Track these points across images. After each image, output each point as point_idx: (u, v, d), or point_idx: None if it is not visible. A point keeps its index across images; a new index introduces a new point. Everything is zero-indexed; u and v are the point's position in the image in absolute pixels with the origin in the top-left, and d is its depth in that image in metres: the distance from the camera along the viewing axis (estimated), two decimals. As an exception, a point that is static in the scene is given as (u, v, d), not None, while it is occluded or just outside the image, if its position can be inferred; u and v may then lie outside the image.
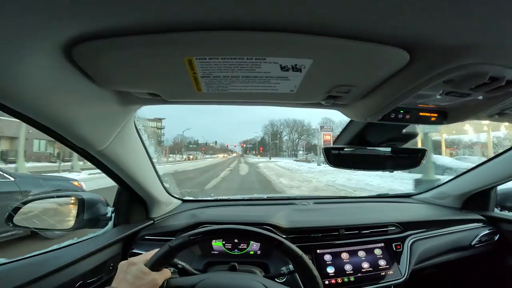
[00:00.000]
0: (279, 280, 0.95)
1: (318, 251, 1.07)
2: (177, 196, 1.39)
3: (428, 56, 0.46)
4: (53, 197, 1.05)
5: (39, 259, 0.79)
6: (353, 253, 1.08)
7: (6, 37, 0.36)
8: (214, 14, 0.36)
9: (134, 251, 1.04)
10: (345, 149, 0.91)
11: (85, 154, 0.78)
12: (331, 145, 0.92)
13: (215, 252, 1.08)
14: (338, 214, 1.29)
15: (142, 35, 0.40)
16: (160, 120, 65.84)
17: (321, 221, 1.17)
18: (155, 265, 0.68)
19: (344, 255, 1.07)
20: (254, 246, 1.09)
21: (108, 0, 0.32)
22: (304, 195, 1.67)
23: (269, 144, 79.14)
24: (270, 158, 49.38)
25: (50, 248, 0.86)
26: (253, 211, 1.34)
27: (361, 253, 1.08)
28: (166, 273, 0.71)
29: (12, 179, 3.20)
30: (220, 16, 0.36)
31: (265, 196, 1.59)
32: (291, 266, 0.84)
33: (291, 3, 0.33)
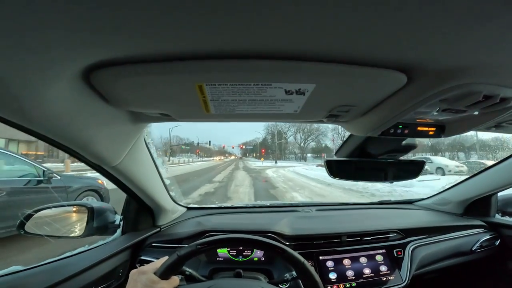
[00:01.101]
0: (283, 286, 0.98)
1: (320, 257, 1.10)
2: (182, 204, 1.42)
3: (424, 77, 0.49)
4: (64, 205, 1.08)
5: (53, 266, 0.83)
6: (354, 259, 1.10)
7: (32, 67, 0.39)
8: (223, 44, 0.39)
9: (142, 258, 1.07)
10: (347, 161, 0.94)
11: (100, 169, 0.81)
12: (333, 158, 0.94)
13: (220, 259, 1.11)
14: (340, 221, 1.31)
15: (156, 63, 0.43)
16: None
17: (323, 228, 1.19)
18: (164, 274, 0.71)
19: (346, 261, 1.09)
20: (258, 253, 1.11)
21: (126, 31, 0.34)
22: (306, 202, 1.68)
23: (274, 145, 69.78)
24: (276, 162, 42.87)
25: (63, 256, 0.89)
26: (256, 218, 1.36)
27: (363, 259, 1.10)
28: (175, 281, 0.73)
29: (59, 177, 4.14)
30: (229, 46, 0.39)
31: (268, 203, 1.61)
32: (294, 273, 0.86)
33: (294, 34, 0.36)
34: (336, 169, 0.94)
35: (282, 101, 0.55)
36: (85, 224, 1.04)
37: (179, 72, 0.44)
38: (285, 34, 0.36)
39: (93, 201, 1.08)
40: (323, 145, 64.12)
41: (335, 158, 0.95)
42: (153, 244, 1.11)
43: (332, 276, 1.05)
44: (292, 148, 71.88)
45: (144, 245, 1.10)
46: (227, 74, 0.45)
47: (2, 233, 3.16)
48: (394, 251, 1.15)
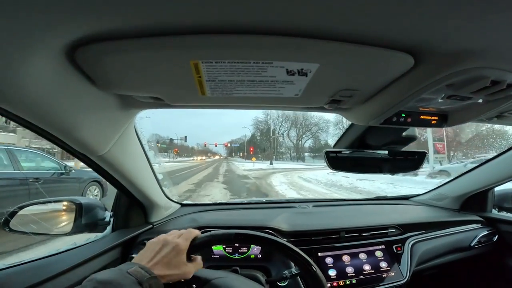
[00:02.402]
0: (281, 283, 0.95)
1: (319, 254, 1.07)
2: (176, 200, 1.38)
3: (432, 60, 0.47)
4: (50, 201, 1.03)
5: (38, 264, 0.78)
6: (354, 256, 1.08)
7: (6, 39, 0.35)
8: (222, 17, 0.36)
9: (133, 255, 1.02)
10: (346, 152, 0.92)
11: (85, 160, 0.76)
12: (332, 149, 0.92)
13: (216, 256, 1.07)
14: (338, 217, 1.29)
15: (148, 38, 0.40)
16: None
17: (321, 224, 1.16)
18: (190, 251, 0.65)
19: (345, 258, 1.07)
20: (255, 250, 1.08)
21: (113, 1, 0.31)
22: (303, 198, 1.67)
23: (264, 142, 56.94)
24: (271, 163, 32.85)
25: (49, 253, 0.84)
26: (253, 214, 1.33)
27: (362, 256, 1.08)
28: (200, 263, 0.67)
29: (74, 171, 5.39)
30: (228, 19, 0.36)
31: (264, 200, 1.59)
32: (293, 270, 0.84)
33: (299, 8, 0.34)
34: (336, 161, 0.92)
35: (283, 82, 0.52)
36: (73, 221, 1.00)
37: (172, 48, 0.41)
38: (289, 8, 0.34)
39: (81, 197, 1.03)
40: (323, 143, 51.84)
41: (334, 149, 0.92)
42: (145, 242, 1.07)
43: (332, 273, 1.03)
44: (286, 147, 58.14)
45: (135, 242, 1.06)
46: (225, 50, 0.42)
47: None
48: (394, 246, 1.14)
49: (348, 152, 0.92)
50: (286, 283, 0.95)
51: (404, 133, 0.87)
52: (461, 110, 0.70)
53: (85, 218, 1.01)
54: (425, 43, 0.43)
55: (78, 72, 0.48)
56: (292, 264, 1.00)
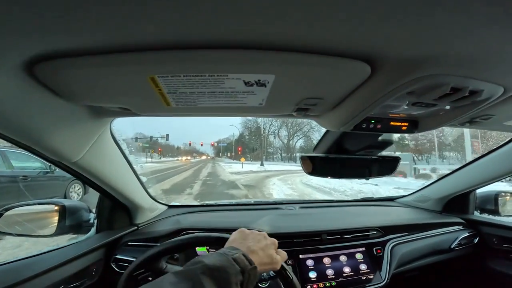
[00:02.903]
0: (262, 285, 0.96)
1: (300, 256, 1.08)
2: (163, 202, 1.39)
3: (388, 68, 0.47)
4: (34, 204, 1.04)
5: (18, 265, 0.79)
6: (334, 258, 1.10)
7: None
8: (172, 34, 0.37)
9: (117, 256, 1.04)
10: (323, 158, 0.93)
11: (60, 165, 0.77)
12: (308, 154, 0.94)
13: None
14: (322, 218, 1.30)
15: (103, 55, 0.41)
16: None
17: (304, 226, 1.18)
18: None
19: (326, 260, 1.08)
20: None
21: (68, 21, 0.32)
22: (291, 200, 1.68)
23: (253, 142, 51.54)
24: (262, 164, 29.91)
25: (29, 254, 0.85)
26: (237, 216, 1.34)
27: (343, 258, 1.10)
28: (285, 255, 0.68)
29: (58, 169, 5.00)
30: (179, 35, 0.37)
31: (252, 201, 1.59)
32: (271, 272, 0.85)
33: (249, 21, 0.34)
34: (312, 165, 0.93)
35: (244, 93, 0.53)
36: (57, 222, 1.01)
37: (128, 64, 0.42)
38: (237, 22, 0.34)
39: (65, 200, 1.05)
40: (314, 142, 51.65)
41: (311, 154, 0.94)
42: (129, 243, 1.08)
43: (312, 275, 1.04)
44: (276, 147, 53.68)
45: (119, 243, 1.07)
46: (178, 65, 0.43)
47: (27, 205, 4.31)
48: (374, 249, 1.15)
49: (325, 157, 0.93)
50: (267, 284, 0.97)
51: (380, 138, 0.89)
52: (430, 116, 0.71)
53: (69, 219, 1.02)
54: (379, 51, 0.43)
55: (41, 86, 0.48)
56: None
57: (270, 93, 0.53)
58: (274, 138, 50.43)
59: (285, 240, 1.12)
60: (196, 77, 0.46)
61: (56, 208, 1.04)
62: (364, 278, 1.06)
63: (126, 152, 0.99)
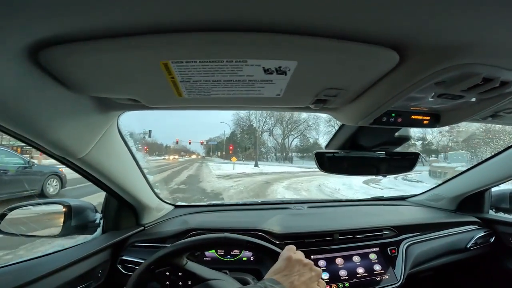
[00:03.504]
0: None
1: (312, 256, 1.06)
2: (169, 202, 1.37)
3: (418, 56, 0.45)
4: (40, 204, 1.02)
5: (22, 266, 0.77)
6: (347, 258, 1.07)
7: None
8: (189, 14, 0.34)
9: (123, 257, 1.02)
10: (337, 154, 0.90)
11: (65, 162, 0.75)
12: (323, 150, 0.91)
13: (208, 259, 1.06)
14: (333, 218, 1.28)
15: (113, 38, 0.38)
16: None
17: (315, 226, 1.15)
18: None
19: (339, 260, 1.06)
20: (247, 253, 1.07)
21: (75, 1, 0.30)
22: (299, 199, 1.65)
23: (245, 141, 46.44)
24: (256, 165, 25.32)
25: (35, 255, 0.83)
26: (246, 216, 1.32)
27: (356, 258, 1.07)
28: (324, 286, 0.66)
29: (36, 165, 6.66)
30: (195, 16, 0.34)
31: (259, 201, 1.57)
32: None
33: (269, 2, 0.32)
34: (327, 162, 0.90)
35: (262, 82, 0.50)
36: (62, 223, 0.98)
37: (140, 48, 0.39)
38: (260, 2, 0.31)
39: (71, 199, 1.02)
40: (311, 141, 44.01)
41: (325, 150, 0.91)
42: (135, 244, 1.06)
43: (325, 276, 1.01)
44: (270, 146, 47.93)
45: (125, 244, 1.05)
46: (194, 49, 0.40)
47: (6, 197, 5.31)
48: (388, 249, 1.12)
49: (339, 153, 0.90)
50: None
51: (397, 134, 0.86)
52: (454, 109, 0.68)
53: (75, 220, 1.00)
54: (410, 38, 0.40)
55: (45, 74, 0.46)
56: None
57: (290, 82, 0.50)
58: (269, 135, 46.07)
59: (296, 240, 1.10)
60: (213, 63, 0.43)
61: (62, 208, 1.02)
62: (378, 278, 1.03)
63: (133, 149, 0.96)
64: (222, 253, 1.07)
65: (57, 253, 0.88)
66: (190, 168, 20.59)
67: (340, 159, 0.91)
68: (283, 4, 0.32)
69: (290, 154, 43.89)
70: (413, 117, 0.69)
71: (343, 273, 1.03)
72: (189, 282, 0.73)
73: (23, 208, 0.96)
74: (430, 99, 0.60)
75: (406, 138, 0.88)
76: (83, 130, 0.68)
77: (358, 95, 0.60)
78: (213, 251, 1.07)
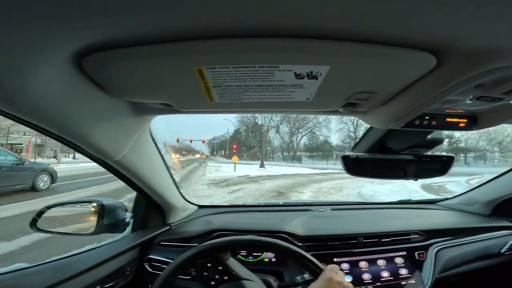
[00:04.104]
0: None
1: (335, 259, 1.05)
2: (193, 202, 1.40)
3: (457, 59, 0.43)
4: (75, 202, 1.08)
5: (59, 264, 0.81)
6: (372, 262, 1.04)
7: (14, 47, 0.35)
8: (222, 22, 0.34)
9: (150, 256, 1.05)
10: (365, 157, 0.88)
11: (103, 164, 0.78)
12: (350, 153, 0.89)
13: None
14: (357, 221, 1.25)
15: (150, 45, 0.39)
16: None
17: (338, 229, 1.13)
18: None
19: (363, 264, 1.04)
20: (269, 254, 1.07)
21: (117, 10, 0.31)
22: (321, 201, 1.62)
23: (250, 139, 43.16)
24: (262, 166, 22.30)
25: (70, 253, 0.87)
26: (268, 218, 1.32)
27: (381, 262, 1.04)
28: None
29: (28, 162, 7.77)
30: (229, 23, 0.35)
31: (281, 202, 1.57)
32: (306, 276, 0.82)
33: (303, 7, 0.31)
34: (354, 165, 0.88)
35: (292, 86, 0.50)
36: (96, 221, 1.03)
37: (176, 54, 0.41)
38: (292, 8, 0.31)
39: (105, 199, 1.06)
40: (321, 139, 40.36)
41: (352, 153, 0.89)
42: (161, 243, 1.09)
43: (347, 279, 0.99)
44: (276, 145, 44.16)
45: (153, 243, 1.09)
46: (228, 56, 0.41)
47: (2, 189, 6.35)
48: (416, 253, 1.08)
49: (367, 156, 0.88)
50: None
51: (429, 136, 0.82)
52: (493, 111, 0.65)
53: (107, 218, 1.04)
54: (449, 41, 0.39)
55: (88, 80, 0.48)
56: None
57: (321, 86, 0.50)
58: (276, 132, 43.03)
59: (319, 243, 1.09)
60: (246, 68, 0.44)
61: (92, 208, 1.06)
62: (404, 283, 1.00)
63: (163, 151, 0.99)
64: (245, 253, 1.08)
65: (91, 250, 0.92)
66: (184, 169, 17.93)
67: (368, 162, 0.89)
68: (319, 11, 0.32)
69: (298, 153, 40.89)
70: (448, 119, 0.66)
71: (366, 276, 1.01)
72: (225, 277, 0.75)
73: (59, 206, 1.02)
74: (468, 102, 0.57)
75: (439, 141, 0.84)
76: (120, 134, 0.72)
77: (390, 98, 0.58)
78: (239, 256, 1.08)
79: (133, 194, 1.10)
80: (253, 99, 0.56)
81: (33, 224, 0.96)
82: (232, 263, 0.77)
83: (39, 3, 0.28)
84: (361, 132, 37.89)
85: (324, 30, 0.37)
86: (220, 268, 0.75)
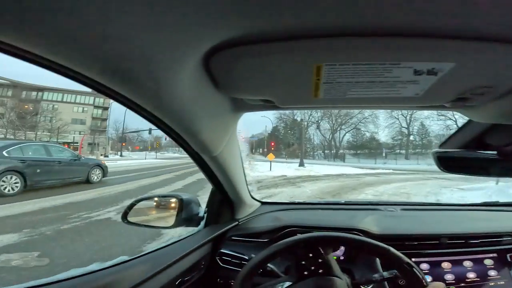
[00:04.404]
0: (364, 287, 0.92)
1: (413, 259, 1.01)
2: (257, 199, 1.43)
3: None
4: (159, 196, 1.15)
5: (151, 257, 0.86)
6: (456, 263, 1.00)
7: (164, 52, 0.39)
8: (349, 20, 0.35)
9: (222, 250, 1.09)
10: (461, 153, 0.83)
11: (198, 159, 0.83)
12: (444, 149, 0.85)
13: None
14: (437, 222, 1.20)
15: (274, 42, 0.41)
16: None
17: (416, 229, 1.10)
18: None
19: (445, 265, 1.00)
20: (338, 252, 1.06)
21: (250, 7, 0.32)
22: (388, 201, 1.56)
23: (289, 137, 41.32)
24: (302, 164, 19.63)
25: (158, 246, 0.93)
26: (336, 215, 1.31)
27: (467, 263, 1.00)
28: None
29: (83, 158, 9.18)
30: (356, 22, 0.36)
31: (343, 201, 1.54)
32: (385, 274, 0.81)
33: (432, 7, 0.32)
34: (449, 162, 0.84)
35: (406, 82, 0.49)
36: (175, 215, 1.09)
37: (298, 51, 0.42)
38: (421, 8, 0.32)
39: (183, 193, 1.12)
40: (367, 136, 37.13)
41: (446, 150, 0.85)
42: (232, 238, 1.13)
43: (428, 279, 0.96)
44: (315, 143, 41.54)
45: (224, 238, 1.13)
46: (351, 53, 0.42)
47: (59, 182, 7.55)
48: (508, 255, 1.01)
49: (464, 152, 0.83)
50: (370, 286, 0.92)
51: None
52: None
53: (184, 212, 1.09)
54: None
55: (208, 77, 0.51)
56: (380, 268, 0.96)
57: (437, 82, 0.49)
58: (317, 129, 40.33)
59: (395, 242, 1.05)
60: (366, 65, 0.44)
61: (173, 202, 1.13)
62: (492, 284, 0.96)
63: (241, 148, 1.03)
64: None
65: (174, 244, 0.97)
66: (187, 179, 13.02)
67: (464, 159, 0.84)
68: (444, 9, 0.32)
69: (341, 151, 38.27)
70: None
71: (449, 277, 0.97)
72: (320, 271, 0.76)
73: (145, 200, 1.10)
74: None
75: None
76: (221, 130, 0.75)
77: (508, 92, 0.55)
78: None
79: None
80: (358, 94, 0.56)
81: (124, 217, 1.03)
82: (331, 258, 0.78)
83: (185, 9, 0.31)
84: (415, 127, 34.65)
85: (453, 29, 0.37)
86: (320, 260, 0.76)
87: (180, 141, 0.70)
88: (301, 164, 19.81)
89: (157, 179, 9.77)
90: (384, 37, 0.39)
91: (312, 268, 0.76)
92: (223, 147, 0.80)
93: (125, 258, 0.81)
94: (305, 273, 0.76)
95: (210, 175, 0.95)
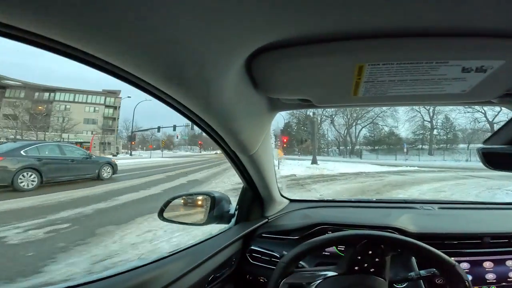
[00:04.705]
0: (398, 285, 0.91)
1: (453, 259, 0.99)
2: (286, 196, 1.43)
3: None
4: (192, 194, 1.16)
5: (186, 253, 0.88)
6: (498, 262, 0.97)
7: (213, 59, 0.40)
8: (392, 21, 0.35)
9: (252, 247, 1.09)
10: (509, 149, 0.81)
11: (234, 158, 0.84)
12: (489, 146, 0.83)
13: (326, 253, 1.07)
14: (478, 221, 1.17)
15: (316, 44, 0.41)
16: (114, 93, 37.77)
17: (456, 228, 1.07)
18: None
19: (487, 264, 0.97)
20: None
21: (295, 11, 0.33)
22: (424, 199, 1.53)
23: (302, 132, 38.28)
24: (314, 162, 17.98)
25: (194, 242, 0.95)
26: (369, 213, 1.29)
27: (510, 263, 0.97)
28: None
29: (95, 156, 10.10)
30: (399, 22, 0.35)
31: (374, 199, 1.52)
32: (422, 272, 0.80)
33: (479, 6, 0.31)
34: (496, 158, 0.82)
35: (452, 80, 0.48)
36: (207, 212, 1.10)
37: (340, 52, 0.42)
38: (468, 8, 0.32)
39: (215, 191, 1.13)
40: (386, 130, 34.53)
41: (492, 146, 0.83)
42: (262, 235, 1.13)
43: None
44: (328, 140, 38.83)
45: (254, 235, 1.13)
46: (396, 53, 0.42)
47: (73, 178, 8.30)
48: None
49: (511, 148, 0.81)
50: (403, 285, 0.91)
51: None
52: None
53: (216, 210, 1.10)
54: None
55: (249, 78, 0.52)
56: (415, 266, 0.95)
57: (485, 79, 0.48)
58: (331, 124, 37.58)
59: (434, 241, 1.03)
60: (410, 64, 0.44)
61: (205, 198, 1.14)
62: None
63: (272, 146, 1.03)
64: (342, 248, 1.07)
65: (207, 241, 0.98)
66: (219, 166, 14.51)
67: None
68: (493, 8, 0.32)
69: (357, 147, 35.13)
70: None
71: (490, 276, 0.95)
72: (372, 269, 0.75)
73: (179, 198, 1.11)
74: None
75: None
76: (258, 129, 0.76)
77: None
78: (334, 247, 1.07)
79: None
80: (399, 92, 0.56)
81: (161, 214, 1.05)
82: (388, 260, 0.77)
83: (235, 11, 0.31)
84: (439, 121, 32.17)
85: (501, 27, 0.36)
86: (376, 260, 0.75)
87: (220, 142, 0.71)
88: (314, 162, 18.35)
89: (155, 178, 9.71)
90: (431, 37, 0.39)
91: (365, 265, 0.75)
92: (259, 146, 0.81)
93: (165, 254, 0.83)
94: (356, 268, 0.76)
95: (243, 173, 0.96)
